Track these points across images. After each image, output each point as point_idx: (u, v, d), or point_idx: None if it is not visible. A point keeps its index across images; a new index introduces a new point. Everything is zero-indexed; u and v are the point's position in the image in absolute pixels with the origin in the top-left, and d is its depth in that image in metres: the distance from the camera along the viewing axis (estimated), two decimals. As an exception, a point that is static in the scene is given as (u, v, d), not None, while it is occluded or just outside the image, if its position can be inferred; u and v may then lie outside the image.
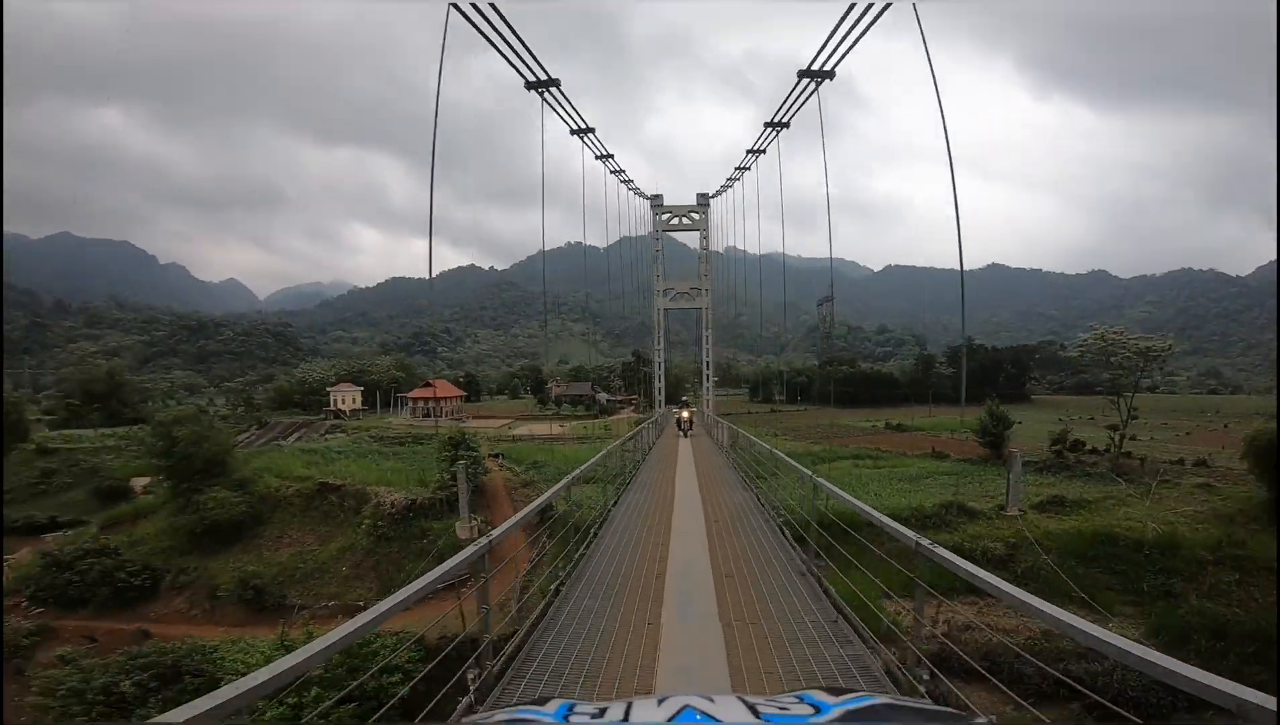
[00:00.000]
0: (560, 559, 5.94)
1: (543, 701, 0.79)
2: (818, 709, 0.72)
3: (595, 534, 7.59)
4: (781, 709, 0.72)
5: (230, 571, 16.36)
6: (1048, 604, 2.41)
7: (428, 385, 43.19)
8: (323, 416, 42.56)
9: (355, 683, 6.43)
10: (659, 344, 34.19)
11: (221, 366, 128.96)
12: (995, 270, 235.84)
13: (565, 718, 0.73)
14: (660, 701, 0.75)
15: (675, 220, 34.08)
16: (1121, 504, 16.16)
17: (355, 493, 19.03)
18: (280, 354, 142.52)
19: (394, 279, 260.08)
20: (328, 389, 44.67)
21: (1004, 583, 2.69)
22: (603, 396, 56.85)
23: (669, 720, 0.70)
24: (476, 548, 3.40)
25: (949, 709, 0.77)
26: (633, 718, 0.72)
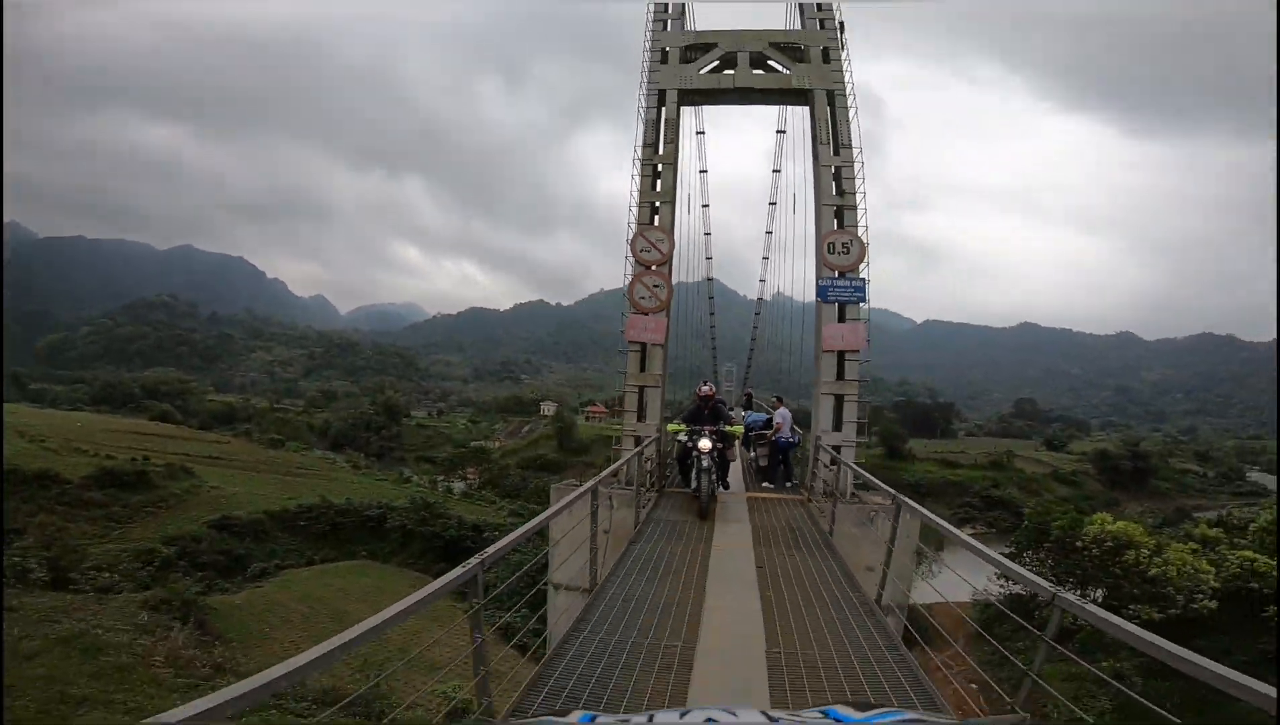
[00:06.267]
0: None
1: (564, 713, 0.86)
2: (840, 724, 0.76)
3: None
4: (803, 724, 0.76)
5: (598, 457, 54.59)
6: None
7: (591, 403, 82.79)
8: (539, 418, 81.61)
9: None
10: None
11: (365, 380, 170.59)
12: (1028, 329, 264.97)
13: None
14: (683, 715, 0.80)
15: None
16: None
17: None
18: (406, 371, 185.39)
19: (472, 308, 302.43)
20: (539, 402, 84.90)
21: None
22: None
23: None
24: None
25: (976, 723, 0.85)
26: None
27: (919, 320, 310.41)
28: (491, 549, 3.51)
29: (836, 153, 11.05)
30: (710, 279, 27.61)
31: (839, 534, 8.14)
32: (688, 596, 5.75)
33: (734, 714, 0.77)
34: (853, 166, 11.01)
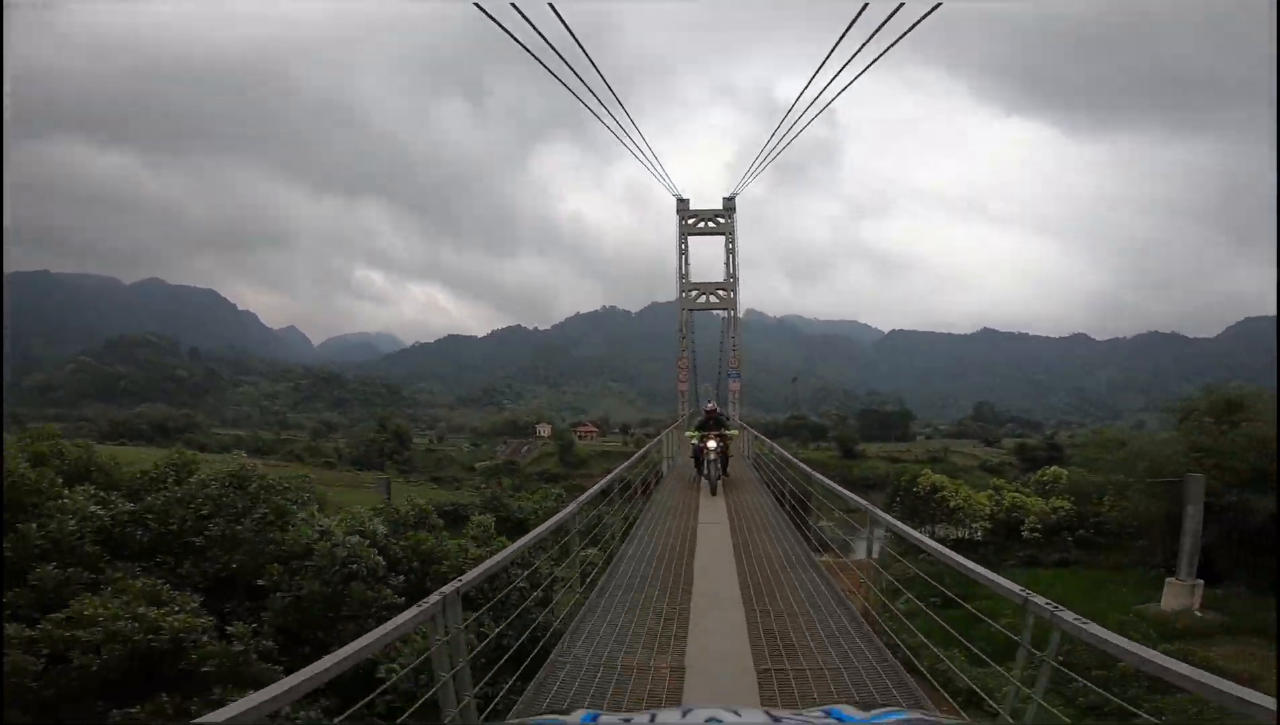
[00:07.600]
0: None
1: (566, 712, 0.90)
2: (843, 723, 0.76)
3: None
4: (807, 724, 0.75)
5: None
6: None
7: (581, 424, 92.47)
8: (536, 439, 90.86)
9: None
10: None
11: (353, 411, 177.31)
12: (987, 335, 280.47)
13: None
14: (685, 713, 0.79)
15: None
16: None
17: (619, 453, 66.74)
18: (392, 401, 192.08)
19: (450, 336, 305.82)
20: (534, 425, 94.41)
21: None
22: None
23: None
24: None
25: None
26: None
27: (886, 330, 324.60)
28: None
29: (732, 335, 31.38)
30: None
31: (745, 441, 20.19)
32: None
33: (738, 714, 0.78)
34: (738, 338, 31.34)
